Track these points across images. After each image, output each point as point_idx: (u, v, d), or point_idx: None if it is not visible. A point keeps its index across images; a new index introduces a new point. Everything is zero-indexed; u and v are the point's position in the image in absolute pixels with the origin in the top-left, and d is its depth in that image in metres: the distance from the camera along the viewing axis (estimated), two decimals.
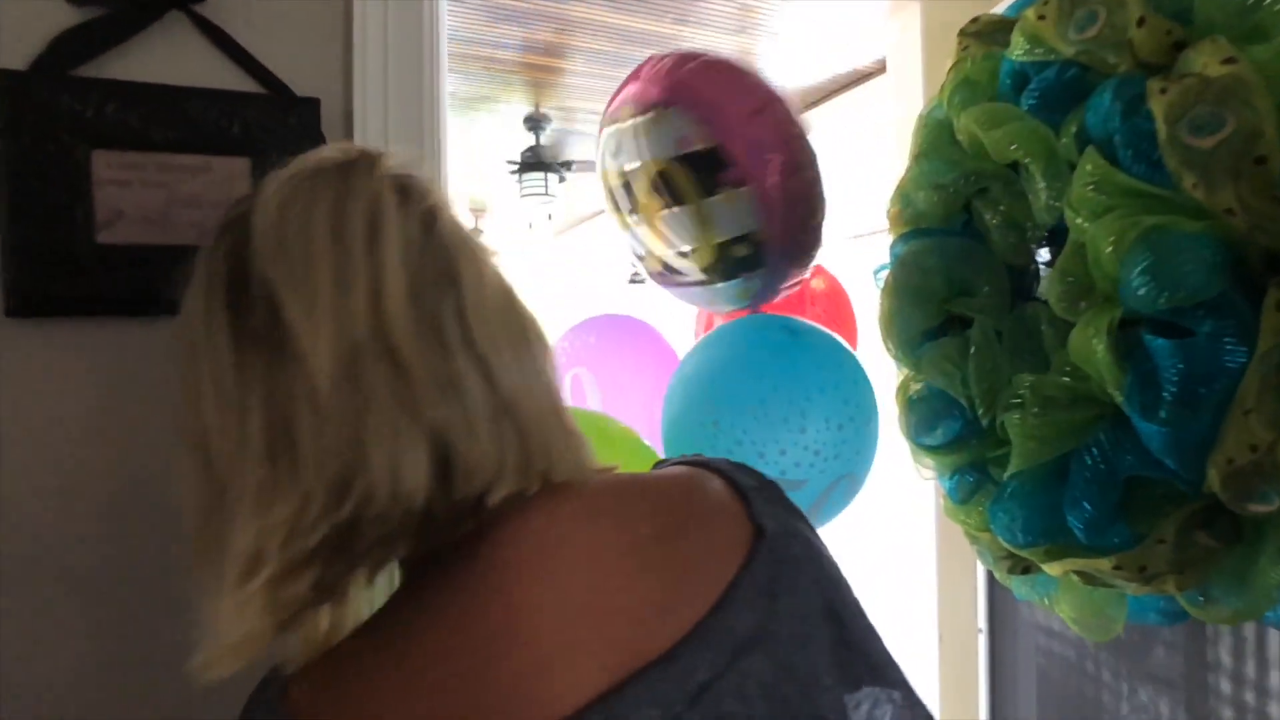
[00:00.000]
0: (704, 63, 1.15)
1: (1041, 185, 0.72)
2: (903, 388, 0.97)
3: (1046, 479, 0.72)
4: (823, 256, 1.33)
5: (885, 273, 0.97)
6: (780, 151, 1.13)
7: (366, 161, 0.42)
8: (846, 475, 1.17)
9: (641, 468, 0.50)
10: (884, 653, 0.42)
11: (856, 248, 3.25)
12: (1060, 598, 0.78)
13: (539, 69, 2.99)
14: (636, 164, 1.20)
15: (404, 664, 0.37)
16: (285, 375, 0.37)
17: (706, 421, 1.16)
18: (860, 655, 0.41)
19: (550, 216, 4.69)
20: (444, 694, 0.36)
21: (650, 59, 1.18)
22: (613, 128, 1.24)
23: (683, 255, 1.24)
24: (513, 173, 4.02)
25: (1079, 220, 0.66)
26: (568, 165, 3.96)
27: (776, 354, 1.18)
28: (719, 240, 1.19)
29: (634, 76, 1.23)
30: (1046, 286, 0.78)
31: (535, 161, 3.90)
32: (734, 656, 0.37)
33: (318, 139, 0.84)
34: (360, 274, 0.38)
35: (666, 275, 1.28)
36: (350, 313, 0.37)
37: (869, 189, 3.22)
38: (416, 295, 0.39)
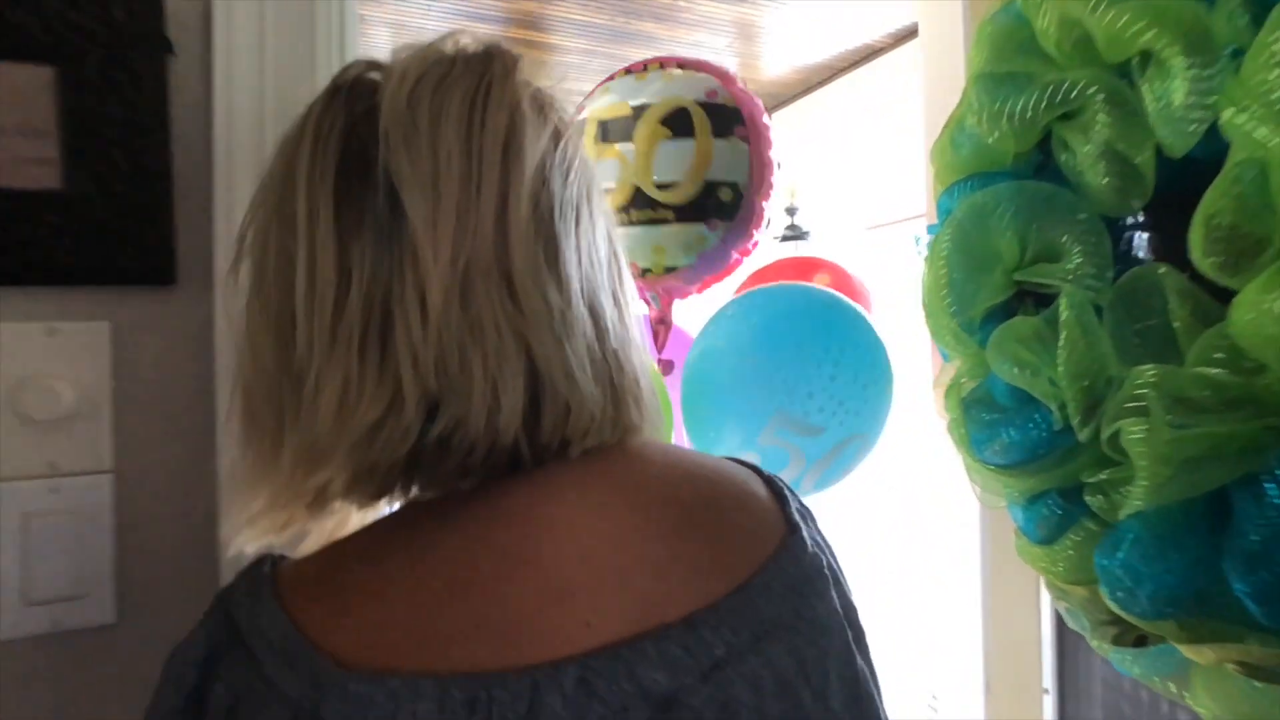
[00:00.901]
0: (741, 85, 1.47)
1: (1183, 82, 0.48)
2: (955, 386, 0.72)
3: (1190, 521, 0.48)
4: (835, 250, 1.65)
5: (930, 239, 0.74)
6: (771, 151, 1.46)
7: (504, 63, 0.40)
8: (860, 435, 1.24)
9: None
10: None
11: (873, 239, 3.00)
12: (1198, 687, 0.54)
13: (520, 44, 2.77)
14: (656, 100, 1.37)
15: (417, 566, 0.36)
16: (397, 273, 0.35)
17: (745, 355, 1.25)
18: (867, 701, 0.38)
19: None
20: (454, 600, 0.34)
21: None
22: (630, 78, 1.43)
23: (662, 187, 1.37)
24: None
25: (1256, 128, 0.43)
26: None
27: (818, 306, 1.30)
28: (710, 179, 1.37)
29: (669, 58, 1.47)
30: (1147, 246, 0.63)
31: None
32: (755, 641, 0.35)
33: (157, 43, 0.61)
34: (490, 189, 0.36)
35: (623, 211, 1.39)
36: (475, 228, 0.35)
37: (882, 177, 2.98)
38: (541, 223, 0.38)
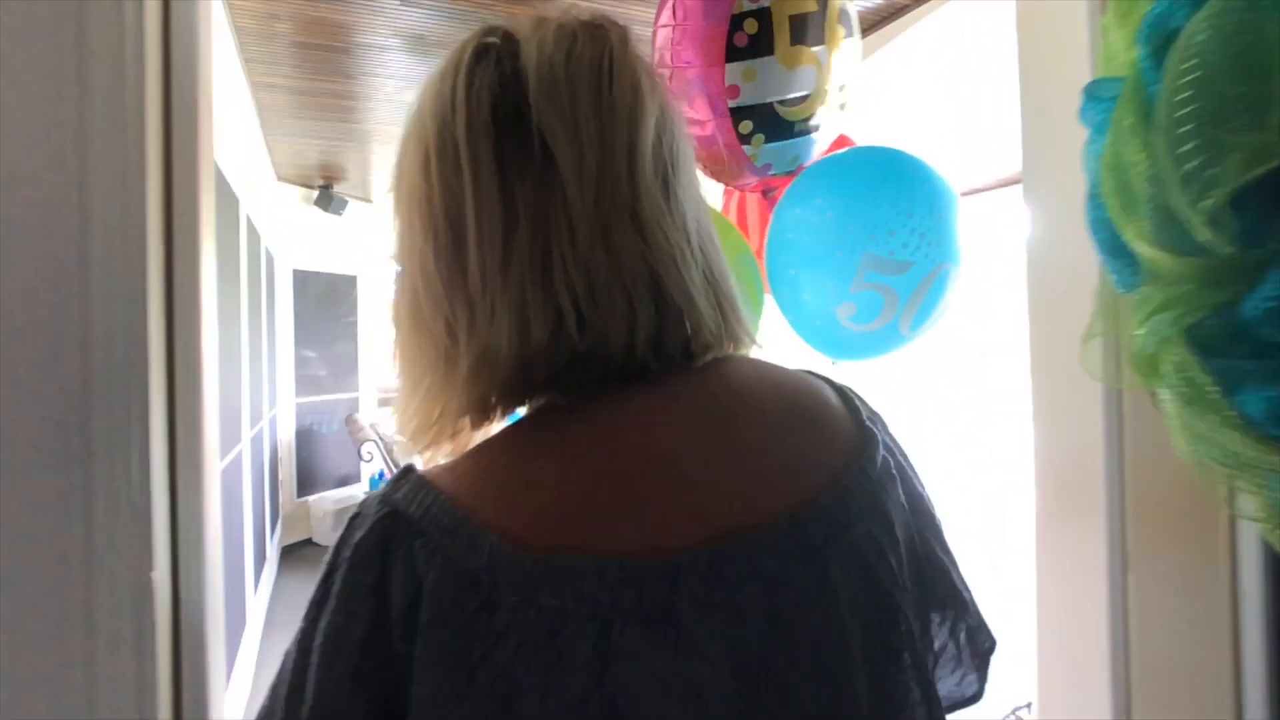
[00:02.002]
0: None
1: None
2: (1160, 319, 0.46)
3: None
4: None
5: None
6: None
7: (619, 35, 0.46)
8: (945, 264, 1.31)
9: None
10: (959, 583, 0.49)
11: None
12: None
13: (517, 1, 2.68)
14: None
15: (565, 462, 0.42)
16: (551, 210, 0.42)
17: (823, 209, 1.35)
18: (942, 577, 0.48)
19: None
20: (598, 490, 0.41)
21: None
22: None
23: (840, 89, 1.41)
24: None
25: None
26: None
27: (881, 156, 1.38)
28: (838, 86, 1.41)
29: None
30: None
31: None
32: (843, 531, 0.42)
33: None
34: (621, 145, 0.43)
35: (811, 121, 1.41)
36: (612, 178, 0.43)
37: (962, 140, 2.75)
38: (659, 172, 0.45)
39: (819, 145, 1.48)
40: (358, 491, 6.07)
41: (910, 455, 0.51)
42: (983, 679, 0.50)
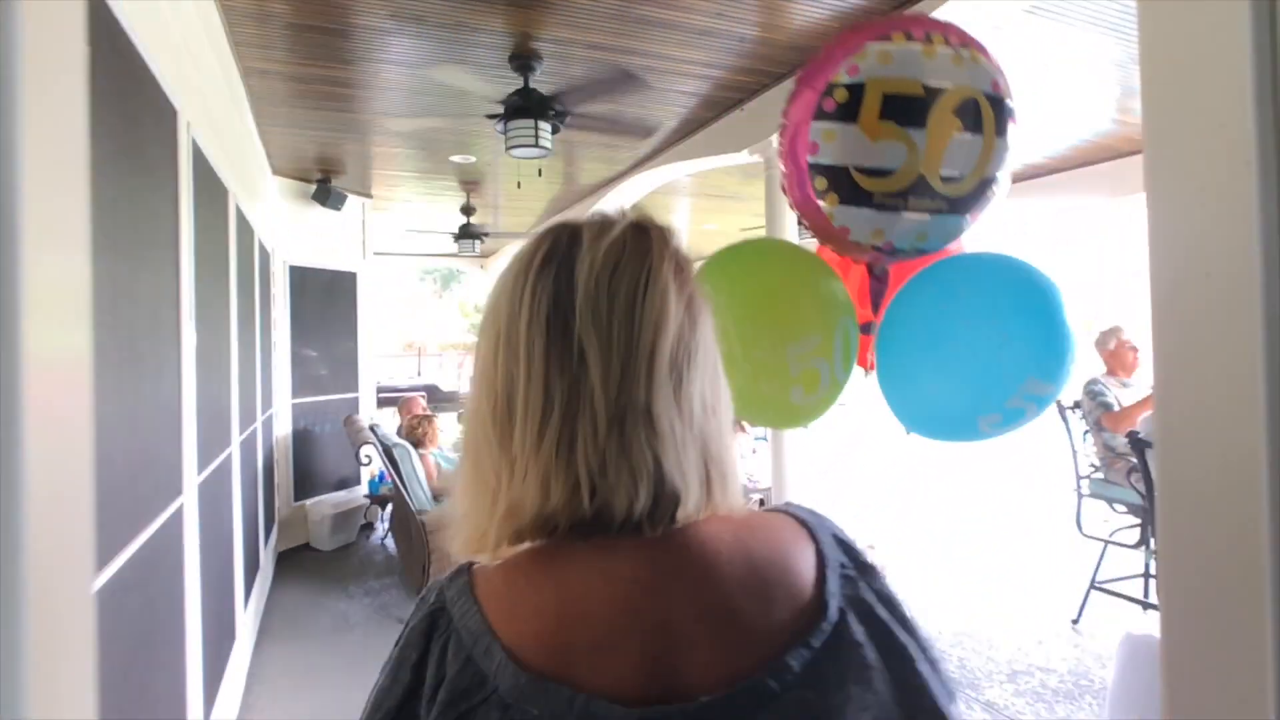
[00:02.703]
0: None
1: None
2: None
3: None
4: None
5: None
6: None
7: (660, 239, 0.57)
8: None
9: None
10: None
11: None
12: None
13: None
14: (950, 86, 1.37)
15: (561, 595, 0.52)
16: (580, 402, 0.52)
17: (1001, 329, 1.56)
18: None
19: (540, 172, 4.19)
20: (582, 628, 0.51)
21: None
22: (914, 47, 1.38)
23: (947, 180, 1.43)
24: (494, 118, 3.52)
25: None
26: (561, 114, 3.46)
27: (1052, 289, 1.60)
28: (986, 175, 1.46)
29: (950, 28, 1.44)
30: None
31: (523, 106, 3.39)
32: (776, 696, 0.49)
33: None
34: (644, 354, 0.53)
35: (899, 196, 1.45)
36: (631, 379, 0.52)
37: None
38: (677, 373, 0.54)
39: (921, 229, 1.50)
40: (357, 494, 5.91)
41: (902, 608, 0.57)
42: None
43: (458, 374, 18.86)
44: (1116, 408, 3.72)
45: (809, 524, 0.59)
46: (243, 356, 3.39)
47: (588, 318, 0.52)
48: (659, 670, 0.49)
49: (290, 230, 5.58)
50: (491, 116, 3.43)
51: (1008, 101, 1.47)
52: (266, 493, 4.51)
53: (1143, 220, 0.86)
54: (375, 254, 10.02)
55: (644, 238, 0.56)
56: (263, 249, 4.56)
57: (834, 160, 1.43)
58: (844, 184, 1.44)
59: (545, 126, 3.38)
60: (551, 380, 0.52)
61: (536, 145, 3.37)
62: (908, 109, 1.38)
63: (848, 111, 1.40)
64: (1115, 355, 3.91)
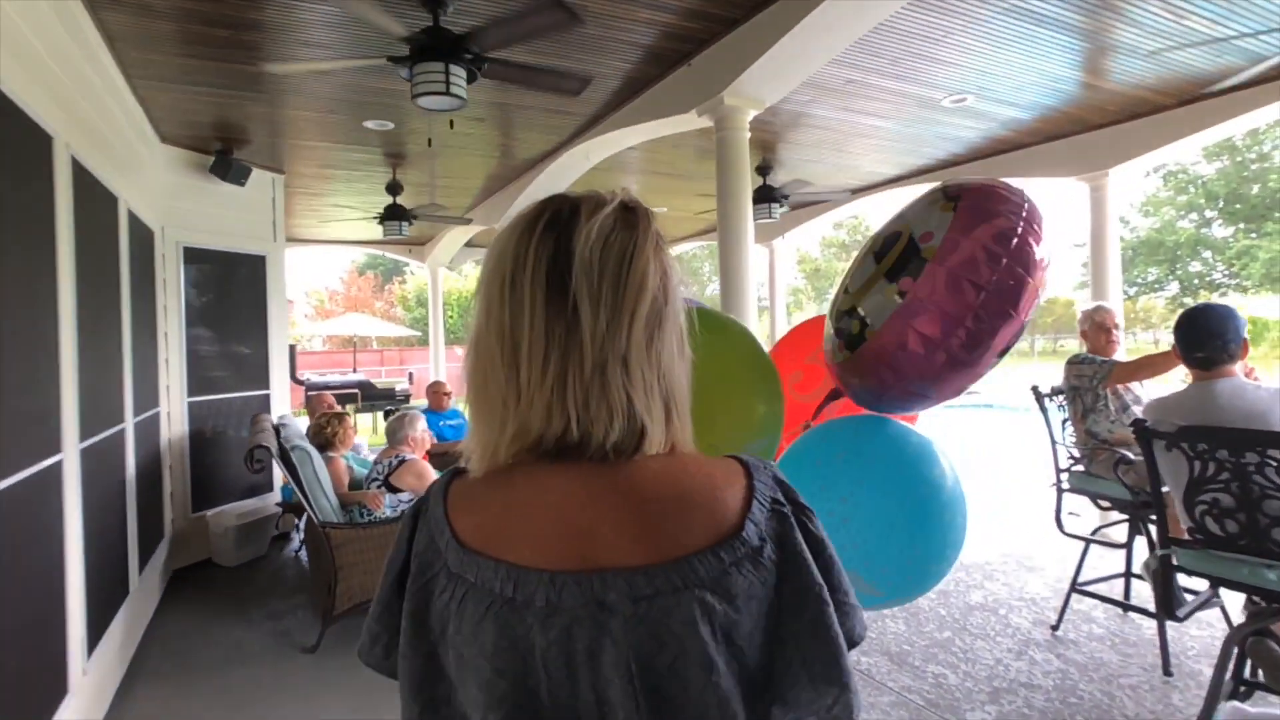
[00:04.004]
0: None
1: None
2: None
3: None
4: None
5: None
6: None
7: (644, 219, 0.68)
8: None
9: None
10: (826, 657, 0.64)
11: None
12: None
13: None
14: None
15: (506, 499, 0.66)
16: (571, 348, 0.63)
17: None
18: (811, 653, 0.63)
19: (451, 124, 3.69)
20: (516, 521, 0.64)
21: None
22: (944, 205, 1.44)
23: None
24: (397, 61, 3.00)
25: None
26: (478, 59, 2.96)
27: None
28: None
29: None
30: None
31: (431, 47, 2.89)
32: (675, 591, 0.60)
33: None
34: (626, 312, 0.64)
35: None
36: (614, 333, 0.63)
37: None
38: (649, 331, 0.65)
39: None
40: (269, 502, 5.30)
41: (827, 549, 0.67)
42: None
43: (402, 371, 18.09)
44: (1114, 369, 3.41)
45: (749, 465, 0.69)
46: (90, 347, 2.80)
47: (582, 279, 0.63)
48: (578, 560, 0.61)
49: (185, 206, 4.93)
50: (395, 60, 2.91)
51: None
52: (146, 505, 3.89)
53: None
54: (299, 241, 9.36)
55: (631, 215, 0.67)
56: (138, 223, 3.94)
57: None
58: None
59: (459, 72, 2.87)
60: (551, 328, 0.63)
61: (448, 94, 2.86)
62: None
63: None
64: (1095, 335, 3.60)
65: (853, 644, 0.65)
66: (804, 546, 0.64)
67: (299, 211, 7.79)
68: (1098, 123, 4.75)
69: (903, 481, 1.52)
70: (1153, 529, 3.19)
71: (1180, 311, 2.44)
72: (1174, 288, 27.97)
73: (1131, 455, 3.08)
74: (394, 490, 3.77)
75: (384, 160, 5.74)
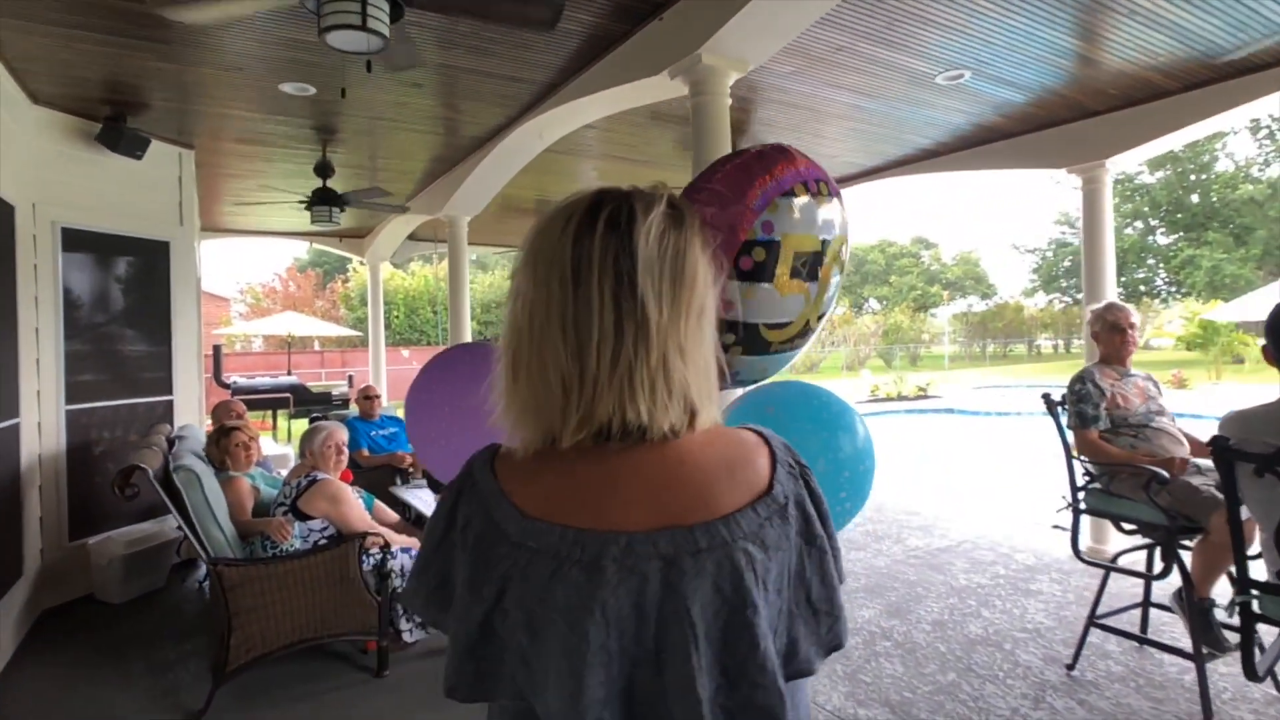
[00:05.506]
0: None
1: None
2: None
3: None
4: None
5: None
6: None
7: (691, 219, 0.74)
8: None
9: None
10: (825, 598, 0.75)
11: None
12: None
13: None
14: (832, 237, 1.51)
15: (562, 473, 0.71)
16: (640, 340, 0.68)
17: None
18: (797, 585, 0.73)
19: (369, 67, 3.11)
20: (575, 493, 0.70)
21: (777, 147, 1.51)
22: (809, 201, 1.46)
23: (820, 318, 1.62)
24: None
25: None
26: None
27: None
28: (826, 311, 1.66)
29: (786, 157, 1.48)
30: None
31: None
32: (724, 544, 0.67)
33: None
34: (682, 304, 0.70)
35: (789, 342, 1.58)
36: (673, 324, 0.69)
37: None
38: (700, 320, 0.72)
39: (765, 364, 1.60)
40: (168, 525, 4.58)
41: (824, 504, 0.77)
42: (820, 657, 0.74)
43: (343, 374, 17.11)
44: (1101, 420, 3.00)
45: (764, 434, 0.78)
46: None
47: (646, 278, 0.68)
48: (641, 523, 0.68)
49: (64, 181, 4.21)
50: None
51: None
52: None
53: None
54: (224, 231, 8.55)
55: (679, 213, 0.73)
56: None
57: (748, 318, 1.46)
58: (755, 340, 1.49)
59: (378, 1, 2.30)
60: (620, 322, 0.68)
61: (364, 28, 2.28)
62: (812, 265, 1.46)
63: (763, 271, 1.42)
64: (1108, 338, 3.21)
65: (840, 581, 0.76)
66: (810, 503, 0.75)
67: (221, 196, 7.03)
68: (1094, 109, 4.42)
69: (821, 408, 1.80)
70: (1185, 556, 2.82)
71: (1272, 308, 2.01)
72: (1117, 294, 28.74)
73: (1165, 474, 2.68)
74: (303, 517, 3.14)
75: (311, 136, 5.09)
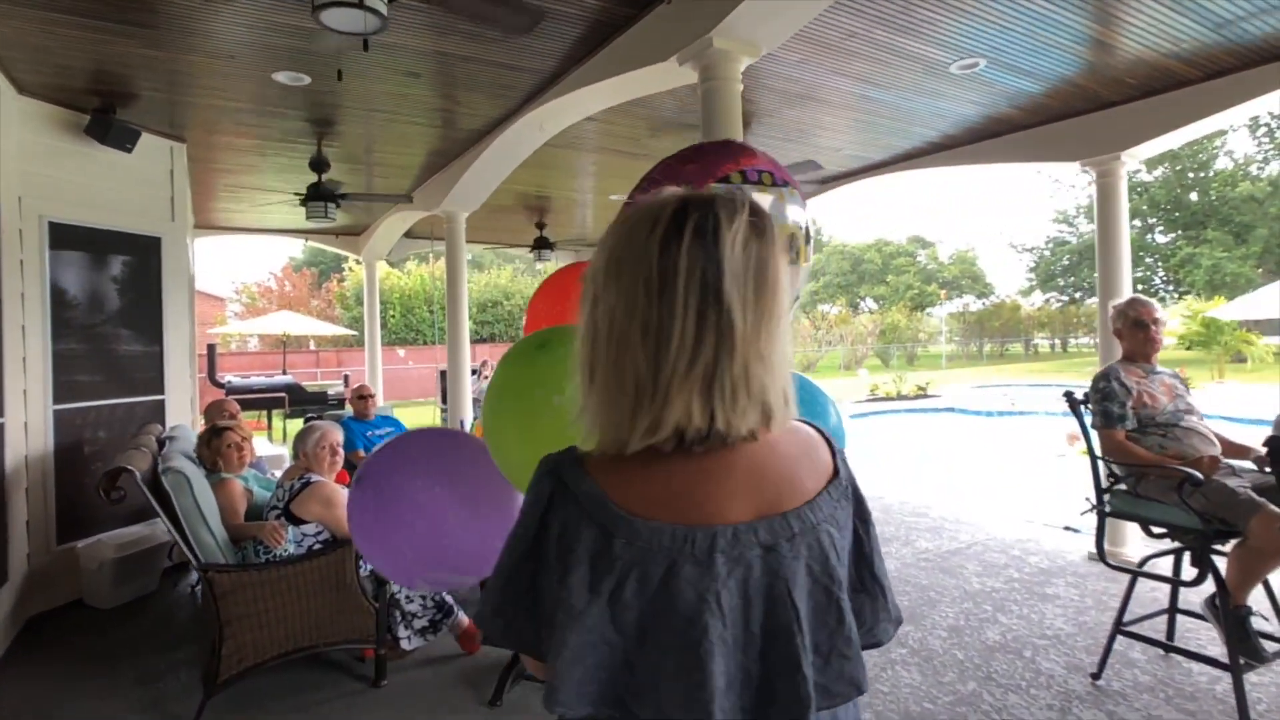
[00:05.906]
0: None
1: None
2: None
3: None
4: None
5: None
6: None
7: (768, 224, 0.76)
8: None
9: None
10: (880, 573, 0.84)
11: None
12: None
13: None
14: (790, 224, 1.65)
15: (663, 473, 0.74)
16: (723, 347, 0.70)
17: None
18: (866, 561, 0.82)
19: (366, 45, 2.98)
20: (678, 492, 0.73)
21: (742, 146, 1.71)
22: (786, 191, 1.64)
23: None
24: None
25: None
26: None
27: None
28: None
29: (747, 152, 1.67)
30: None
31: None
32: (813, 527, 0.75)
33: None
34: (765, 310, 0.73)
35: None
36: (755, 330, 0.72)
37: None
38: (778, 323, 0.74)
39: None
40: (157, 529, 4.45)
41: (859, 488, 0.83)
42: (888, 631, 0.83)
43: (339, 374, 16.97)
44: (1128, 419, 2.88)
45: (816, 426, 0.84)
46: None
47: (733, 288, 0.71)
48: (742, 515, 0.73)
49: (52, 174, 4.08)
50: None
51: (810, 229, 1.71)
52: None
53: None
54: (219, 228, 8.41)
55: (761, 221, 0.75)
56: None
57: None
58: None
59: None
60: (704, 326, 0.70)
61: (362, 6, 2.16)
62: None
63: None
64: (1131, 334, 3.10)
65: None
66: (857, 485, 0.82)
67: (216, 193, 6.90)
68: (1110, 99, 4.31)
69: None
70: (1219, 563, 2.72)
71: None
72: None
73: (1199, 475, 2.57)
74: (297, 521, 3.02)
75: (306, 129, 4.96)
